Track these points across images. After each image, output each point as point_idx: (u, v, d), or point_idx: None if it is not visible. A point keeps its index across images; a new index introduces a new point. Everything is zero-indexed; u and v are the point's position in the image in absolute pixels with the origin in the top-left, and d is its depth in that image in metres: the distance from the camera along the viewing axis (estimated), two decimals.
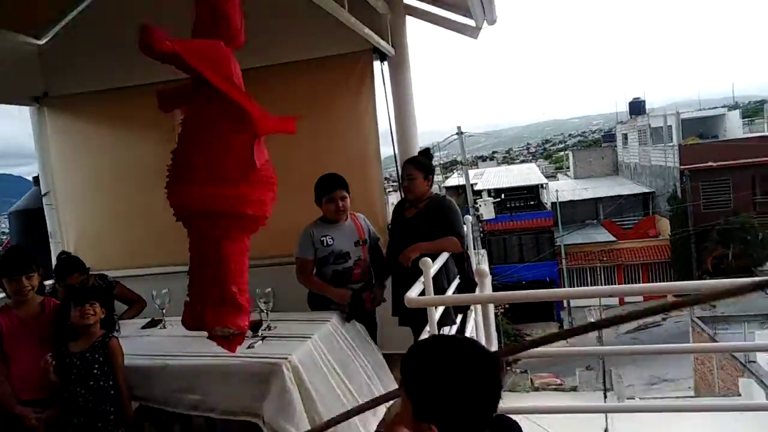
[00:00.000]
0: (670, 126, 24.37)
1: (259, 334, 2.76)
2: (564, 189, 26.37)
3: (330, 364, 2.80)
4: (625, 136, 30.91)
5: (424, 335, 3.06)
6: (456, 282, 3.11)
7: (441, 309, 2.72)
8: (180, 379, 2.55)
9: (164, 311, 3.07)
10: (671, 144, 23.68)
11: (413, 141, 4.08)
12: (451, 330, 2.94)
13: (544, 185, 27.05)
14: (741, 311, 15.60)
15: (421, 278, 2.47)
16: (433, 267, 2.32)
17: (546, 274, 22.04)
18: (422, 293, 2.41)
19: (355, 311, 3.14)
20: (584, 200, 25.91)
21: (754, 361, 11.25)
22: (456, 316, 3.08)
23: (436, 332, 2.36)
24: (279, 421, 2.39)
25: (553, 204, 23.57)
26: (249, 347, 2.64)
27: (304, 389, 2.50)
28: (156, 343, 2.88)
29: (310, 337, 2.72)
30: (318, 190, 3.22)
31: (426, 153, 3.48)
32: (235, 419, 2.52)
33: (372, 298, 3.22)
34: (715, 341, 15.18)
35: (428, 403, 1.18)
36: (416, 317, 3.17)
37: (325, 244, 3.20)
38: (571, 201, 25.39)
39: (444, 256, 2.99)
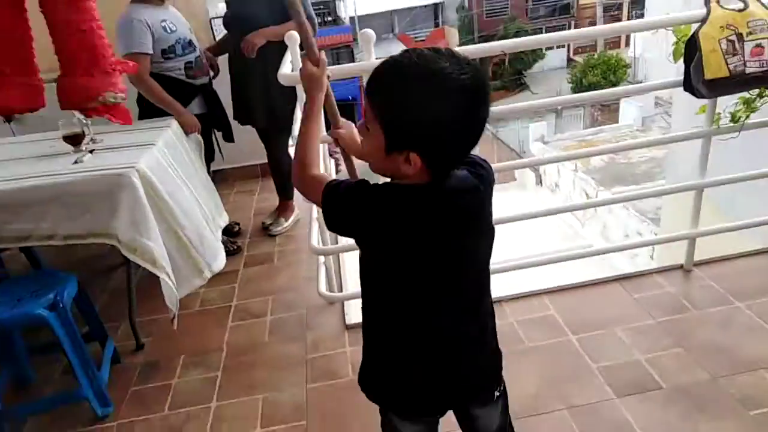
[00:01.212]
0: None
1: (83, 148, 2.35)
2: (360, 1, 25.74)
3: (179, 175, 2.54)
4: None
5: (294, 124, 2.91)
6: None
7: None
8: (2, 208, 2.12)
9: None
10: None
11: None
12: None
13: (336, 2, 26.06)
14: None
15: (288, 56, 2.21)
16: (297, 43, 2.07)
17: (349, 93, 22.18)
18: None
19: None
20: (380, 13, 25.72)
21: (527, 150, 13.17)
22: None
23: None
24: (137, 238, 2.16)
25: (351, 18, 23.07)
26: (75, 162, 2.26)
27: (159, 199, 2.26)
28: None
29: (154, 144, 2.40)
30: None
31: None
32: (81, 243, 2.22)
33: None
34: (499, 138, 17.34)
35: (408, 126, 0.95)
36: (264, 113, 2.96)
37: (168, 30, 2.70)
38: (368, 15, 25.03)
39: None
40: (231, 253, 3.00)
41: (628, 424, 1.76)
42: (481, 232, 1.10)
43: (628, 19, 21.51)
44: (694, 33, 1.99)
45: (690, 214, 2.36)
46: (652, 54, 15.33)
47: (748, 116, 2.15)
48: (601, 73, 17.40)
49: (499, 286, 2.48)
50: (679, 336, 2.07)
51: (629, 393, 1.86)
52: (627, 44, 20.80)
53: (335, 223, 1.08)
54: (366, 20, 24.49)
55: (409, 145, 0.96)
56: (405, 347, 1.14)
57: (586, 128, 15.35)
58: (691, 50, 2.02)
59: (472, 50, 1.95)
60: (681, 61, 2.08)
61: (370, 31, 2.06)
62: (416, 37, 25.61)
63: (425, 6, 26.21)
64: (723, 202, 2.82)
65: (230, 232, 3.21)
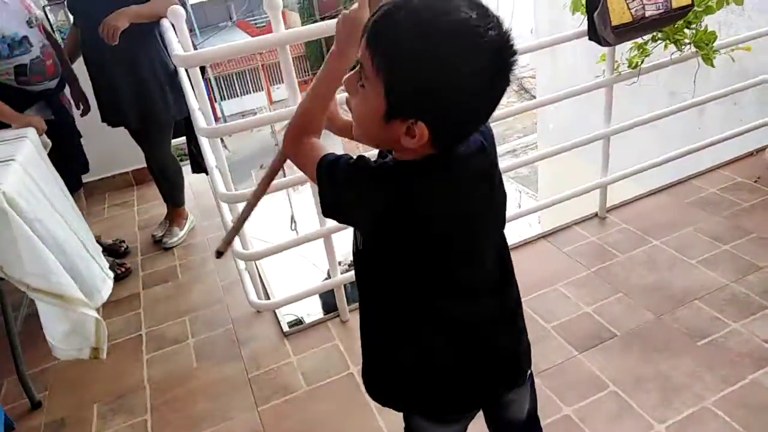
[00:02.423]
0: None
1: None
2: None
3: (47, 196, 2.12)
4: None
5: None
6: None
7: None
8: None
9: None
10: None
11: None
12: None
13: None
14: None
15: (173, 36, 1.90)
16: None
17: None
18: None
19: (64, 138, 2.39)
20: (215, 0, 24.44)
21: None
22: None
23: (205, 93, 1.91)
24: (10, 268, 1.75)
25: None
26: None
27: (28, 222, 1.86)
28: None
29: (13, 159, 1.97)
30: None
31: None
32: None
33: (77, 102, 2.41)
34: None
35: (420, 89, 0.76)
36: (137, 111, 2.57)
37: None
38: (200, 2, 23.66)
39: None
40: (120, 277, 2.61)
41: (597, 376, 1.78)
42: (497, 195, 0.95)
43: None
44: None
45: (601, 164, 2.45)
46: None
47: (642, 61, 2.25)
48: None
49: None
50: (615, 282, 2.15)
51: (589, 346, 1.89)
52: None
53: (333, 207, 0.90)
54: (200, 8, 23.14)
55: (417, 113, 0.78)
56: (433, 337, 0.98)
57: None
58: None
59: (315, 29, 1.77)
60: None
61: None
62: (256, 24, 24.76)
63: None
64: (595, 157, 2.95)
65: (116, 253, 2.80)
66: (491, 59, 0.76)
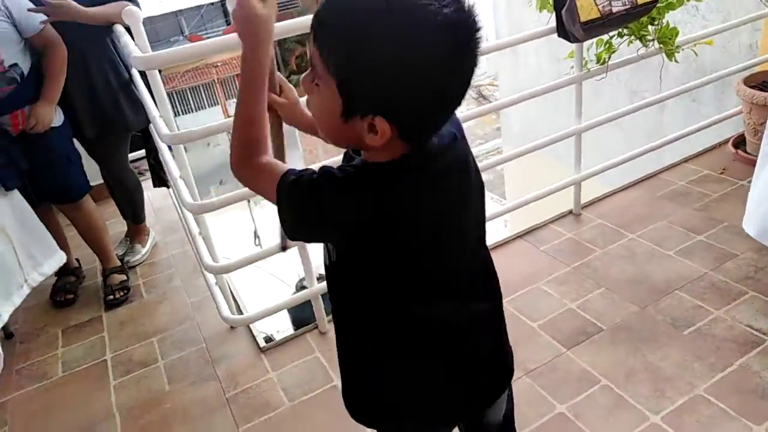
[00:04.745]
0: None
1: None
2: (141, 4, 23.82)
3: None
4: None
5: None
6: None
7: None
8: None
9: None
10: None
11: None
12: None
13: None
14: None
15: (127, 39, 1.79)
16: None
17: None
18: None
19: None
20: (164, 15, 24.03)
21: None
22: None
23: (166, 98, 1.81)
24: None
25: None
26: None
27: None
28: None
29: None
30: None
31: None
32: None
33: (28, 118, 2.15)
34: None
35: (372, 82, 0.70)
36: (92, 120, 2.42)
37: None
38: (150, 17, 23.24)
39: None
40: (119, 301, 2.45)
41: (588, 372, 1.75)
42: (475, 184, 0.90)
43: None
44: None
45: (573, 161, 2.46)
46: None
47: (609, 57, 2.27)
48: None
49: None
50: (596, 277, 2.14)
51: (577, 342, 1.86)
52: None
53: (303, 229, 0.84)
54: (149, 23, 22.69)
55: (374, 108, 0.72)
56: (417, 348, 0.92)
57: None
58: None
59: (289, 25, 1.71)
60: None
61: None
62: (208, 37, 24.40)
63: (212, 3, 25.04)
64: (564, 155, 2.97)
65: (73, 273, 2.62)
66: (449, 38, 0.70)
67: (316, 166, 0.86)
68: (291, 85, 1.03)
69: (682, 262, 2.13)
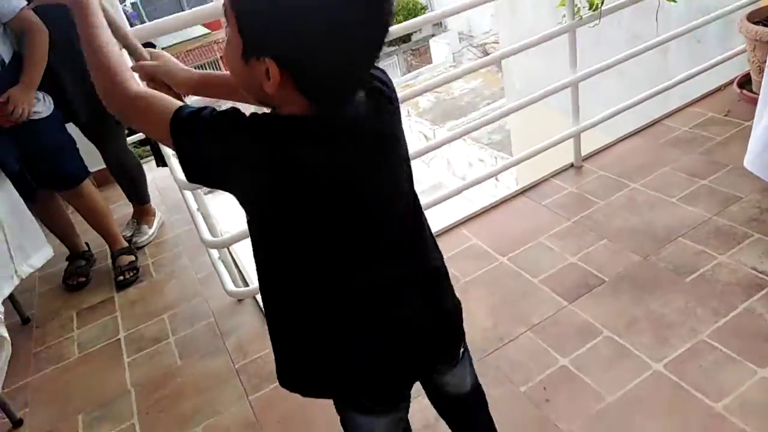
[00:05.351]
0: None
1: None
2: None
3: None
4: None
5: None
6: None
7: None
8: None
9: None
10: None
11: None
12: None
13: None
14: None
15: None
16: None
17: None
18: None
19: None
20: None
21: None
22: None
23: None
24: None
25: (134, 4, 21.07)
26: None
27: None
28: None
29: None
30: None
31: None
32: None
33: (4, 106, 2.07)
34: None
35: (259, 17, 0.69)
36: (85, 102, 2.41)
37: None
38: None
39: None
40: (129, 282, 2.49)
41: (590, 324, 1.75)
42: (398, 153, 0.86)
43: None
44: None
45: (571, 112, 2.41)
46: None
47: (602, 2, 2.20)
48: (403, 18, 17.91)
49: None
50: (597, 229, 2.12)
51: (579, 295, 1.85)
52: None
53: (205, 167, 0.77)
54: (150, 4, 22.55)
55: (266, 49, 0.70)
56: (337, 318, 0.88)
57: (404, 74, 15.83)
58: None
59: None
60: None
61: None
62: None
63: None
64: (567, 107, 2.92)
65: (83, 257, 2.67)
66: None
67: None
68: (162, 51, 1.02)
69: (686, 209, 2.10)
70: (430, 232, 0.98)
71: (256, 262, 0.91)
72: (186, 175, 0.79)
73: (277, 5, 0.67)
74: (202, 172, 0.79)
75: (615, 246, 2.02)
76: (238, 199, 0.83)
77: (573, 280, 1.92)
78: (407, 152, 0.89)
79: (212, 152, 0.76)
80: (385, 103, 0.82)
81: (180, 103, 0.79)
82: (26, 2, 2.11)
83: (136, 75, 0.89)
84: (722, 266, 1.83)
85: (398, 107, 0.86)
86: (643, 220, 2.10)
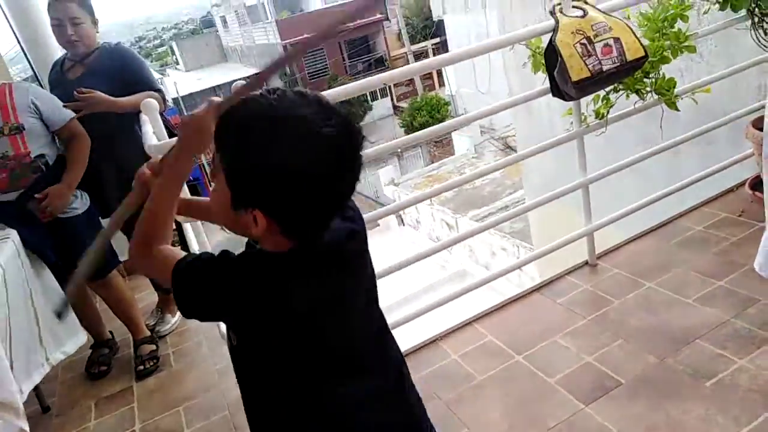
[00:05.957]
0: (264, 3, 25.19)
1: None
2: (180, 82, 25.30)
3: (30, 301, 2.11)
4: (224, 19, 30.76)
5: None
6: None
7: None
8: None
9: None
10: (269, 21, 24.65)
11: None
12: None
13: (161, 81, 25.37)
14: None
15: (149, 127, 1.92)
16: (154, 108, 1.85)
17: (192, 173, 21.47)
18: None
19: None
20: (203, 90, 25.38)
21: (381, 195, 13.61)
22: None
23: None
24: None
25: (175, 100, 22.43)
26: None
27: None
28: None
29: None
30: None
31: None
32: None
33: (42, 201, 2.25)
34: None
35: (248, 176, 0.81)
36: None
37: None
38: (190, 94, 24.64)
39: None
40: (148, 373, 2.54)
41: (606, 428, 1.71)
42: (367, 271, 0.99)
43: None
44: (551, 42, 2.11)
45: (583, 212, 2.47)
46: (468, 89, 16.83)
47: (608, 111, 2.32)
48: (427, 113, 18.62)
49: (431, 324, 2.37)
50: (613, 329, 2.12)
51: (595, 398, 1.83)
52: (441, 84, 22.64)
53: (202, 306, 0.91)
54: (190, 99, 23.95)
55: (253, 202, 0.82)
56: (325, 426, 0.97)
57: (428, 165, 16.26)
58: (551, 58, 2.13)
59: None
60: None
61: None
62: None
63: (246, 77, 26.30)
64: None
65: (106, 345, 2.73)
66: (323, 152, 0.80)
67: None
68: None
69: (702, 310, 2.09)
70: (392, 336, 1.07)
71: (242, 378, 1.01)
72: (185, 314, 0.92)
73: (266, 165, 0.79)
74: (202, 312, 0.93)
75: (631, 347, 2.01)
76: (232, 327, 0.94)
77: (589, 381, 1.90)
78: (373, 269, 1.01)
79: (210, 294, 0.88)
80: (358, 225, 0.95)
81: (179, 256, 0.91)
82: (74, 113, 2.33)
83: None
84: (742, 371, 1.80)
85: (364, 225, 0.98)
86: (659, 321, 2.10)
